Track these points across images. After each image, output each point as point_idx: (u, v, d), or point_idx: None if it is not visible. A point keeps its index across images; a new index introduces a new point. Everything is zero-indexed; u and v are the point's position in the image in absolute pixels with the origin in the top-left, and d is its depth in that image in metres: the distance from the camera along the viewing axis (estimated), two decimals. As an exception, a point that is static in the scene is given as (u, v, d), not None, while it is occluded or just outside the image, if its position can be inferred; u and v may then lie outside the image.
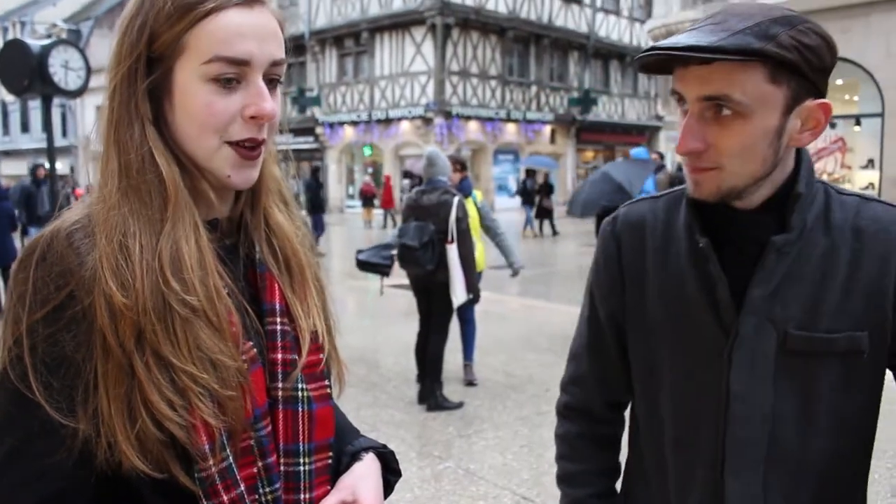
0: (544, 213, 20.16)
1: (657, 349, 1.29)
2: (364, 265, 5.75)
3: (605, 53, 32.23)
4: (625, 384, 1.39)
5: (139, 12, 0.94)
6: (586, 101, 29.71)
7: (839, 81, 16.85)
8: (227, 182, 0.97)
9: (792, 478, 1.22)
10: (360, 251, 5.83)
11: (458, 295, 5.43)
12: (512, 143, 28.90)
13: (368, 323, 8.53)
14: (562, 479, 1.47)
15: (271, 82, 0.98)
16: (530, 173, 22.54)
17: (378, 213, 24.40)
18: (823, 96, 1.15)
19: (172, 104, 0.94)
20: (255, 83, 0.95)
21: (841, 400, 1.21)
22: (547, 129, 30.21)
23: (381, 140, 27.95)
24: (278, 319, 1.02)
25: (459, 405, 5.44)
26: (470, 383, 5.99)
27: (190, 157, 0.96)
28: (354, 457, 1.12)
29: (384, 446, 1.18)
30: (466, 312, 5.90)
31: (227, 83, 0.93)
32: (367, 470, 1.10)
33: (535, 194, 20.55)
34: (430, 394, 5.43)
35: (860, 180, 17.17)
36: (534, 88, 29.43)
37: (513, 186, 27.67)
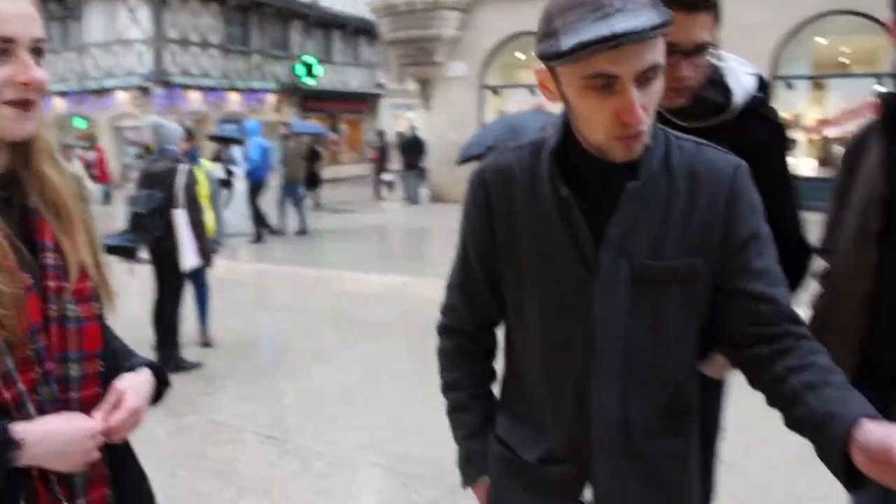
0: (315, 182, 19.67)
1: (528, 284, 1.41)
2: (112, 250, 5.68)
3: (327, 23, 32.49)
4: (494, 311, 1.53)
5: None
6: (309, 69, 29.83)
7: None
8: (7, 134, 1.23)
9: (648, 388, 1.39)
10: (107, 236, 5.75)
11: (187, 260, 5.59)
12: (236, 113, 28.35)
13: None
14: (445, 388, 1.64)
15: (37, 53, 1.25)
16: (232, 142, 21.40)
17: (99, 187, 22.87)
18: None
19: None
20: (22, 57, 1.22)
21: (685, 319, 1.38)
22: (271, 97, 29.99)
23: (96, 112, 26.08)
24: (49, 254, 1.29)
25: (198, 365, 5.66)
26: (206, 344, 6.19)
27: None
28: (130, 370, 1.38)
29: (154, 362, 1.46)
30: (199, 277, 6.08)
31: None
32: (136, 376, 1.38)
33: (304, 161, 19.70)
34: (169, 357, 5.59)
35: None
36: (256, 57, 29.02)
37: (239, 156, 27.00)
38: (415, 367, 5.65)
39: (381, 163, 21.50)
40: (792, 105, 16.79)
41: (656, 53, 1.19)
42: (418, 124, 23.90)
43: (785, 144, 1.95)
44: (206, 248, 5.73)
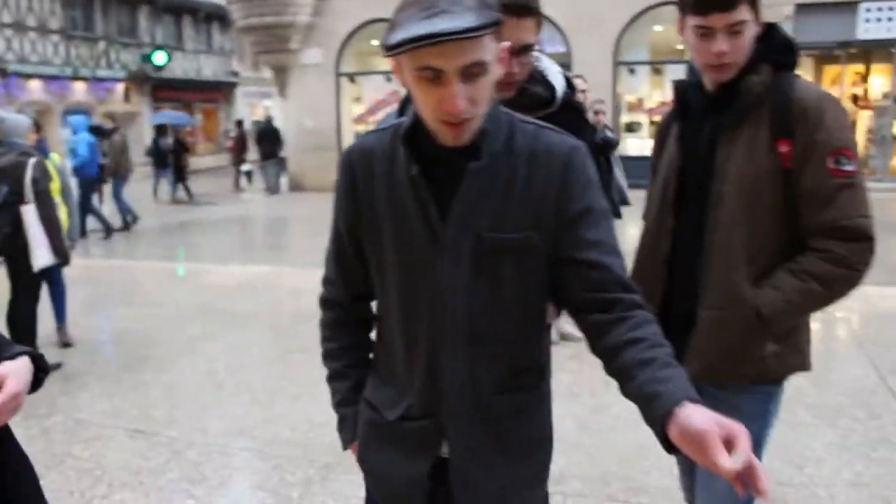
0: (183, 175, 18.22)
1: (386, 254, 1.54)
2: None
3: (178, 8, 31.36)
4: (366, 284, 1.65)
5: None
6: (156, 60, 28.72)
7: (392, 41, 18.77)
8: None
9: (491, 349, 1.53)
10: None
11: (39, 257, 5.42)
12: (82, 103, 26.99)
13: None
14: (324, 357, 1.77)
15: None
16: (161, 131, 19.26)
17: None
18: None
19: None
20: None
21: (522, 286, 1.51)
22: (120, 87, 28.70)
23: (-81, 102, 24.19)
24: None
25: (58, 365, 5.53)
26: (66, 344, 6.03)
27: None
28: (10, 360, 1.45)
29: (35, 350, 1.53)
30: (54, 275, 5.90)
31: None
32: (14, 363, 1.45)
33: (170, 154, 18.13)
34: (26, 359, 5.42)
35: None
36: (102, 44, 27.65)
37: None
38: (280, 354, 5.77)
39: (239, 153, 20.99)
40: (634, 89, 17.80)
41: (481, 51, 1.32)
42: (275, 113, 23.57)
43: (587, 130, 2.27)
44: (61, 246, 5.58)
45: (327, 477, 3.72)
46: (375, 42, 18.67)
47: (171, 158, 18.09)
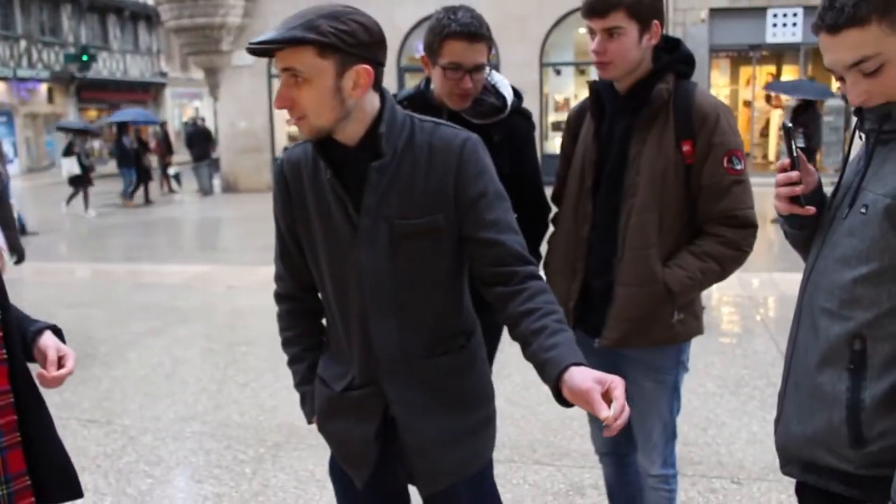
0: (147, 176, 17.61)
1: (318, 247, 1.76)
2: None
3: (102, 7, 30.80)
4: (308, 274, 1.84)
5: None
6: (84, 57, 28.21)
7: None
8: None
9: (415, 319, 1.74)
10: None
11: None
12: (4, 104, 26.34)
13: None
14: (283, 344, 1.99)
15: None
16: (124, 129, 18.18)
17: None
18: (371, 62, 1.60)
19: None
20: None
21: (436, 264, 1.72)
22: (43, 87, 28.11)
23: None
24: None
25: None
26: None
27: None
28: (38, 332, 1.71)
29: (54, 325, 1.76)
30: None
31: None
32: (50, 335, 1.72)
33: (136, 154, 17.47)
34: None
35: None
36: (23, 43, 27.01)
37: (9, 151, 25.11)
38: (223, 348, 5.99)
39: (163, 156, 19.90)
40: (560, 89, 18.35)
41: (290, 60, 1.56)
42: (206, 114, 23.38)
43: (532, 131, 2.70)
44: (16, 243, 5.61)
45: (277, 455, 4.00)
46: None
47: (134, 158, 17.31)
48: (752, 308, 6.73)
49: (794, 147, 1.64)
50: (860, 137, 1.61)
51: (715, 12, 15.92)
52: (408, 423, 1.78)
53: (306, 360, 1.95)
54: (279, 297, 1.98)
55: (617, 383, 1.40)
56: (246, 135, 18.43)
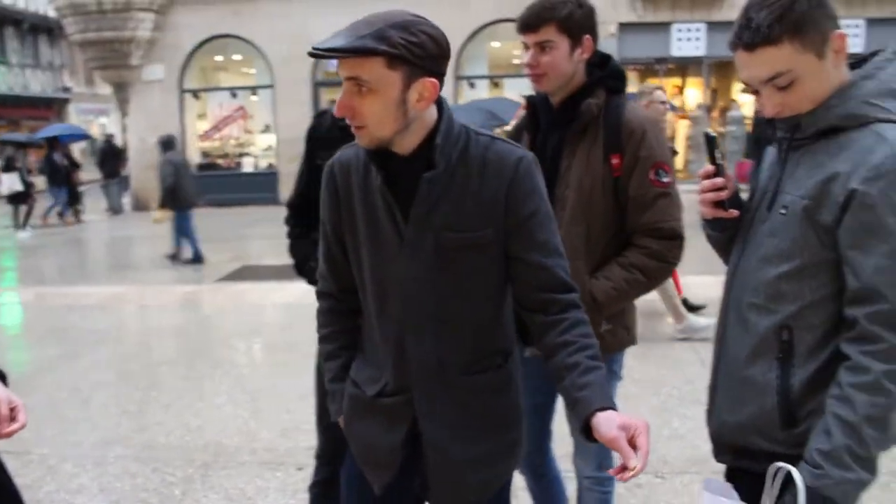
0: (77, 195, 16.69)
1: (362, 251, 1.74)
2: None
3: (-2, 20, 29.59)
4: (350, 276, 1.82)
5: None
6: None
7: (237, 56, 18.71)
8: None
9: (455, 333, 1.72)
10: None
11: None
12: None
13: None
14: (320, 340, 1.97)
15: None
16: (54, 145, 17.27)
17: None
18: (437, 75, 1.60)
19: None
20: None
21: (483, 277, 1.71)
22: (-64, 103, 26.81)
23: None
24: None
25: None
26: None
27: None
28: None
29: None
30: None
31: None
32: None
33: (67, 171, 16.61)
34: None
35: (261, 143, 19.24)
36: (-88, 57, 25.72)
37: None
38: (142, 368, 5.85)
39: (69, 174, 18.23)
40: (475, 103, 18.55)
41: (357, 69, 1.53)
42: (113, 130, 22.69)
43: None
44: None
45: (206, 474, 3.93)
46: (220, 58, 18.54)
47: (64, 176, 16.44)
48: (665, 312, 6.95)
49: (717, 155, 1.72)
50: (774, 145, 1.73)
51: (624, 27, 16.44)
52: (434, 442, 1.78)
53: (341, 358, 1.93)
54: (320, 294, 1.96)
55: (641, 430, 1.48)
56: (157, 151, 17.97)
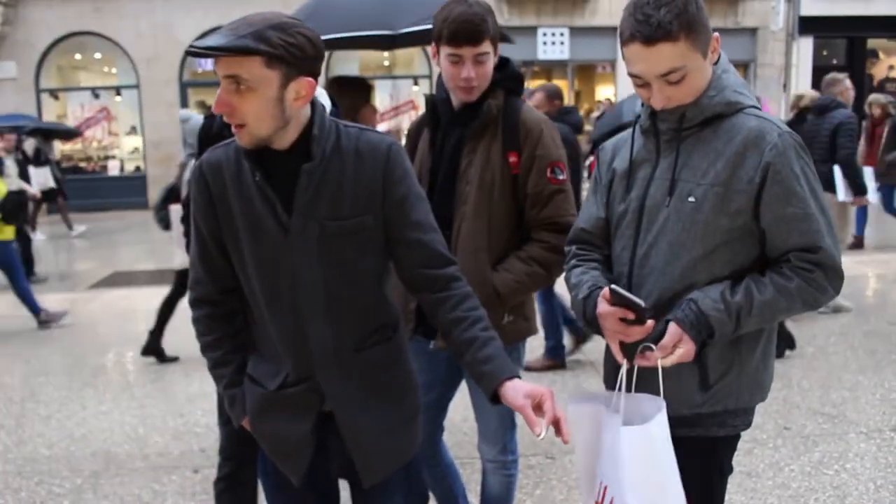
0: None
1: (244, 248, 1.77)
2: None
3: None
4: (230, 277, 1.85)
5: None
6: None
7: (98, 55, 17.91)
8: None
9: (345, 315, 1.79)
10: None
11: None
12: None
13: None
14: (203, 349, 1.94)
15: None
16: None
17: None
18: (313, 75, 1.66)
19: None
20: None
21: (364, 261, 1.79)
22: None
23: None
24: None
25: None
26: None
27: None
28: None
29: None
30: None
31: None
32: None
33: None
34: None
35: (127, 145, 18.49)
36: None
37: None
38: (17, 381, 5.59)
39: None
40: (349, 103, 18.53)
41: (235, 68, 1.58)
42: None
43: None
44: None
45: (97, 483, 3.83)
46: (80, 56, 17.68)
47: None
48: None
49: (632, 299, 1.71)
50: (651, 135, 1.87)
51: (493, 30, 16.82)
52: (345, 416, 1.84)
53: (232, 363, 1.93)
54: (196, 302, 1.94)
55: (546, 396, 1.60)
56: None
